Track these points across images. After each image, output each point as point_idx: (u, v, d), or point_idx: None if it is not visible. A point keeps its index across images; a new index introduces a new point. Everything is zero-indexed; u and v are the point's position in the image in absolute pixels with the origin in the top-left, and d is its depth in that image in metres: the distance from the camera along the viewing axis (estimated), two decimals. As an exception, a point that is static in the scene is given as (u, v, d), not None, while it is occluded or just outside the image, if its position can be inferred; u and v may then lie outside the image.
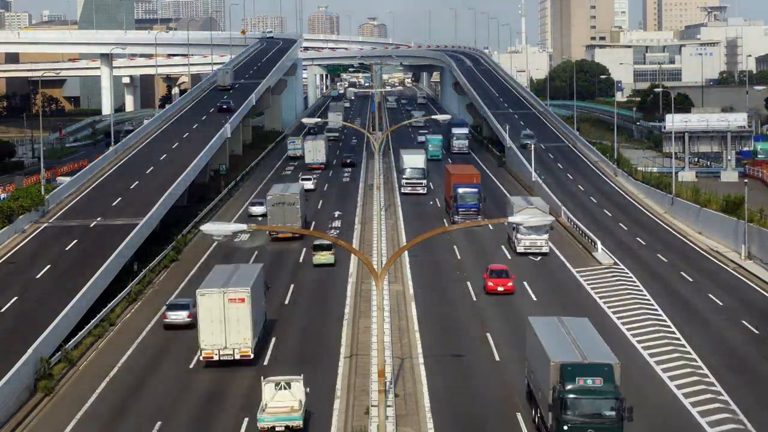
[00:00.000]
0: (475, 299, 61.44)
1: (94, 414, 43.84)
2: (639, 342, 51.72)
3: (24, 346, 47.02)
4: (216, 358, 48.32)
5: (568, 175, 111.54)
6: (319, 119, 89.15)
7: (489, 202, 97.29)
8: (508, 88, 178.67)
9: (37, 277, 61.23)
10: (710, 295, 62.80)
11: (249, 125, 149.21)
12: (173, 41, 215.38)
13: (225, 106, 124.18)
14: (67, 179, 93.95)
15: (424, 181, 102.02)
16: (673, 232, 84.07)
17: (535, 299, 61.38)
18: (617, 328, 54.57)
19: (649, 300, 60.92)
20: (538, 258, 72.72)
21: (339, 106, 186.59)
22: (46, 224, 74.87)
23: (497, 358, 49.68)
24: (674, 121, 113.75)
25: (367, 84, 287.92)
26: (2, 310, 55.00)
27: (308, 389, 42.31)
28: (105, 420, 43.15)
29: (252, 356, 48.39)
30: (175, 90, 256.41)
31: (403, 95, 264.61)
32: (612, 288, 63.85)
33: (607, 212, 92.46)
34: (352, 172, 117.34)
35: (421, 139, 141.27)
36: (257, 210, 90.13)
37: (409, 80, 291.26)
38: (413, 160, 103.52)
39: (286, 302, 61.45)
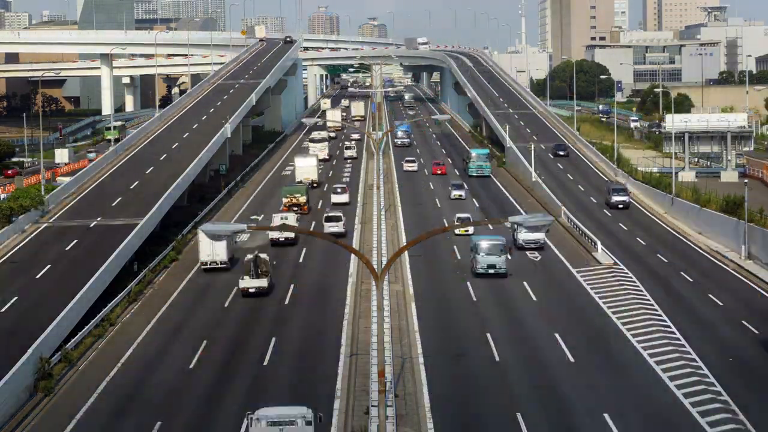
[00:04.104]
0: (475, 299, 61.39)
1: (94, 414, 43.84)
2: (639, 342, 51.69)
3: (24, 346, 47.05)
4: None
5: (568, 175, 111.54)
6: (319, 119, 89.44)
7: (489, 201, 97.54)
8: (509, 88, 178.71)
9: (37, 277, 61.25)
10: (710, 295, 62.80)
11: (249, 125, 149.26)
12: (173, 41, 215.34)
13: None
14: (67, 179, 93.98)
15: None
16: (673, 232, 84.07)
17: (534, 299, 61.35)
18: (617, 328, 54.55)
19: (649, 300, 60.90)
20: (538, 258, 72.72)
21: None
22: (46, 224, 74.88)
23: (497, 358, 49.66)
24: (674, 122, 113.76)
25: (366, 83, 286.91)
26: (2, 310, 55.01)
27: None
28: (105, 420, 43.16)
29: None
30: (175, 90, 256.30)
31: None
32: (612, 288, 63.83)
33: (606, 212, 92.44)
34: (351, 173, 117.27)
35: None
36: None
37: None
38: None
39: (286, 302, 61.45)
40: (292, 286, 65.00)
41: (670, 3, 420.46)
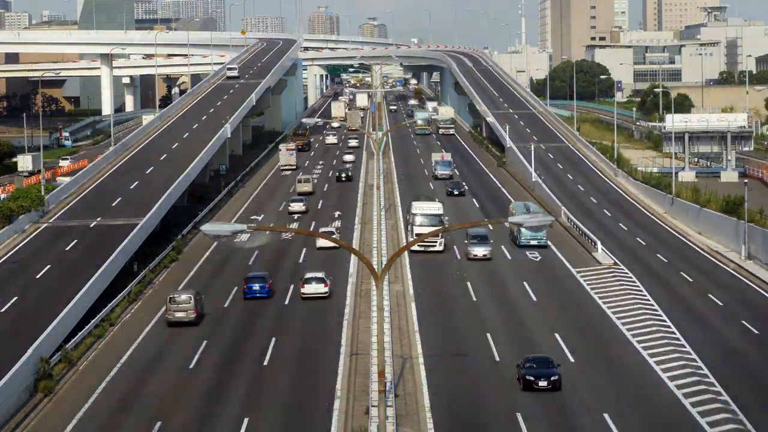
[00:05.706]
0: (475, 299, 61.39)
1: (94, 414, 43.84)
2: (639, 342, 51.69)
3: (24, 346, 47.03)
4: None
5: (568, 175, 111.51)
6: (319, 119, 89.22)
7: (489, 202, 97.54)
8: (508, 88, 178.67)
9: (37, 277, 61.21)
10: (710, 295, 62.81)
11: (249, 125, 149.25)
12: (173, 41, 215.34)
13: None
14: (67, 179, 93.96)
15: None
16: (673, 232, 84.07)
17: (534, 299, 61.35)
18: (617, 328, 54.54)
19: (649, 300, 60.89)
20: (538, 258, 72.69)
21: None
22: (46, 224, 74.84)
23: (497, 358, 49.66)
24: (674, 121, 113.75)
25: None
26: (2, 310, 54.99)
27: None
28: (105, 420, 43.16)
29: None
30: (175, 90, 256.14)
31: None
32: (612, 288, 63.81)
33: (607, 212, 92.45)
34: (352, 172, 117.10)
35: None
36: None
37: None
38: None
39: (286, 302, 61.45)
40: (292, 286, 64.98)
41: (670, 3, 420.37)
